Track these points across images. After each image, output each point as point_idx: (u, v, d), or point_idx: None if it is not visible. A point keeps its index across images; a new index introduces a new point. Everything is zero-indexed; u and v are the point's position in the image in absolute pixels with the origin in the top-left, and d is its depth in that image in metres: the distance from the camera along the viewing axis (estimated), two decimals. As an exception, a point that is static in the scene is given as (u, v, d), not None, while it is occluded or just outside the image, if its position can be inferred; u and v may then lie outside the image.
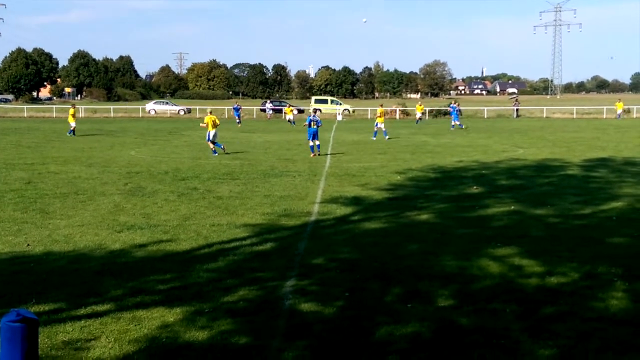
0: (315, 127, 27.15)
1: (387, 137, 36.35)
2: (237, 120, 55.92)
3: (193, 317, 7.39)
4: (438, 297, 8.11)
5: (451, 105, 53.18)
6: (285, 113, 49.53)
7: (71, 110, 40.04)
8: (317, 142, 27.32)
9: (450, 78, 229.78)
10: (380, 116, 38.37)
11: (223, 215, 13.51)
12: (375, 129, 37.59)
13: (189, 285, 8.65)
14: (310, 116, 28.13)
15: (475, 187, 17.57)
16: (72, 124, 39.49)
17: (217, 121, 28.21)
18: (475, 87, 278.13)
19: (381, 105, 44.02)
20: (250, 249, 10.65)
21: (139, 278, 8.94)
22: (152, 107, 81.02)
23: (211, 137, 27.69)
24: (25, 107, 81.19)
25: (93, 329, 7.02)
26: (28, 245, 10.88)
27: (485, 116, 72.30)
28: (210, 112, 29.75)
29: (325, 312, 7.58)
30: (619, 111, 64.83)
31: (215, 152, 27.27)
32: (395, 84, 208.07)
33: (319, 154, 26.59)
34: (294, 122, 53.94)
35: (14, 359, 2.46)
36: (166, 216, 13.41)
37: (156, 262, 9.84)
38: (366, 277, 9.04)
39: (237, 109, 57.97)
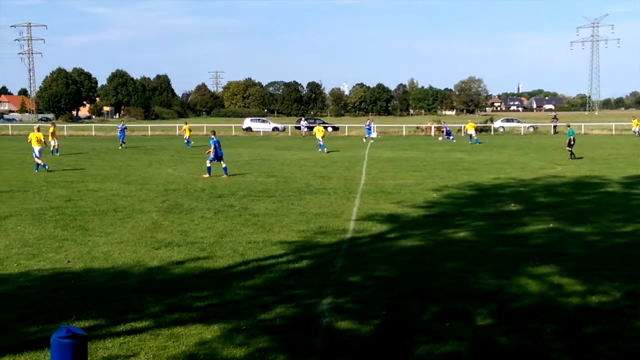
0: (217, 149, 25.94)
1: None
2: (121, 142, 48.20)
3: (230, 334, 7.42)
4: (477, 316, 8.02)
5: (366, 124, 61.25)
6: (315, 132, 43.79)
7: (50, 129, 40.70)
8: (224, 165, 26.07)
9: (485, 94, 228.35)
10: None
11: (259, 233, 13.56)
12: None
13: (226, 302, 8.68)
14: (212, 139, 26.41)
15: (513, 204, 17.37)
16: (53, 142, 40.02)
17: (42, 137, 29.93)
18: (512, 103, 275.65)
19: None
20: (286, 267, 10.67)
21: (176, 295, 9.01)
22: (249, 124, 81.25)
23: (37, 153, 28.90)
24: (65, 125, 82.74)
25: (132, 345, 7.08)
26: (68, 262, 11.05)
27: (522, 133, 71.57)
28: (38, 130, 31.08)
29: (362, 330, 7.55)
30: (635, 128, 63.55)
31: (40, 167, 28.03)
32: (430, 100, 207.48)
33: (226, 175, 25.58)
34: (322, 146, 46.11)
35: (64, 374, 2.51)
36: (203, 233, 13.51)
37: (193, 279, 9.91)
38: (403, 295, 8.98)
39: (122, 129, 49.70)
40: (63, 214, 16.08)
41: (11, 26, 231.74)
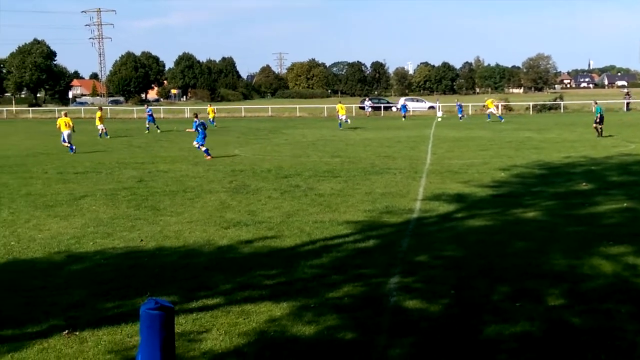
0: (203, 130, 26.23)
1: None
2: (156, 126, 47.43)
3: (299, 311, 7.52)
4: (548, 296, 7.89)
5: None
6: (337, 110, 44.20)
7: (98, 114, 41.52)
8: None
9: (554, 71, 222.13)
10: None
11: (325, 213, 13.64)
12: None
13: (294, 280, 8.79)
14: (196, 121, 26.64)
15: (584, 183, 16.93)
16: (100, 126, 40.71)
17: (70, 122, 30.58)
18: (582, 80, 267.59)
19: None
20: (353, 246, 10.71)
21: (246, 273, 9.17)
22: (404, 103, 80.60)
23: (65, 137, 29.74)
24: (134, 108, 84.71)
25: (204, 322, 7.26)
26: (141, 240, 11.38)
27: (593, 110, 69.39)
28: (66, 115, 31.86)
29: (431, 310, 7.53)
30: None
31: (72, 149, 29.20)
32: (497, 78, 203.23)
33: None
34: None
35: (153, 344, 2.61)
36: (270, 213, 13.67)
37: (262, 257, 10.06)
38: (472, 275, 8.91)
39: (150, 113, 49.85)
40: (135, 194, 16.53)
41: (82, 12, 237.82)
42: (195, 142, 26.49)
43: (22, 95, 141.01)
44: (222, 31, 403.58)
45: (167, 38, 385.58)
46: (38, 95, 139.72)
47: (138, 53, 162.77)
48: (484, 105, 60.46)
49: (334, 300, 7.92)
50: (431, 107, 75.69)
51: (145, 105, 54.25)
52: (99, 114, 41.68)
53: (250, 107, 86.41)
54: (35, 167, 23.62)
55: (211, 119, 52.30)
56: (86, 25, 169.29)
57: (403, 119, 60.11)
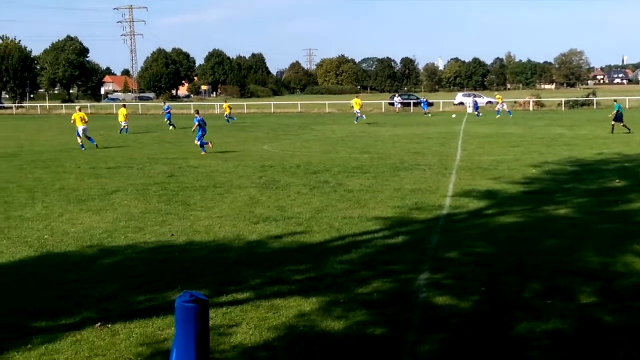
0: (203, 126, 26.78)
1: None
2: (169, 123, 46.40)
3: (328, 307, 7.53)
4: (579, 294, 7.80)
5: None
6: (353, 105, 50.32)
7: (123, 110, 41.64)
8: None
9: (587, 67, 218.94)
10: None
11: (354, 208, 13.63)
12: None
13: (323, 276, 8.81)
14: (197, 117, 27.22)
15: (617, 180, 16.70)
16: (123, 123, 40.83)
17: (85, 117, 30.91)
18: (615, 76, 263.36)
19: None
20: (382, 242, 10.69)
21: (275, 268, 9.21)
22: (461, 99, 79.80)
23: (80, 132, 29.88)
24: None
25: (234, 316, 7.31)
26: (172, 235, 11.48)
27: (627, 106, 68.34)
28: (80, 110, 32.24)
29: (461, 306, 7.49)
30: None
31: (90, 141, 29.83)
32: (528, 74, 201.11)
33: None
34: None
35: (188, 336, 2.65)
36: (299, 208, 13.71)
37: (291, 253, 10.09)
38: (502, 271, 8.84)
39: (167, 110, 48.36)
40: (166, 189, 16.68)
41: (114, 9, 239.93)
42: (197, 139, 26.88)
43: (56, 91, 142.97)
44: (252, 27, 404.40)
45: (198, 34, 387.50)
46: (71, 91, 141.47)
47: (169, 49, 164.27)
48: (496, 101, 60.36)
49: (363, 295, 7.92)
50: (489, 102, 75.35)
51: (164, 103, 54.42)
52: (124, 110, 42.00)
53: (280, 103, 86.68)
54: (68, 162, 23.96)
55: (227, 115, 52.86)
56: (118, 22, 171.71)
57: (428, 115, 60.62)
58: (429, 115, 60.73)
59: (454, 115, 58.26)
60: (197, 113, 28.15)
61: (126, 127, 40.67)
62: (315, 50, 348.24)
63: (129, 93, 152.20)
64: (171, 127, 45.12)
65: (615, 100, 36.18)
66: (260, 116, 67.05)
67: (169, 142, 32.94)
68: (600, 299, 7.63)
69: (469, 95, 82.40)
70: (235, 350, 6.41)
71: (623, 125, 32.90)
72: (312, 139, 33.93)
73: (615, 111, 33.62)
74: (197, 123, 26.94)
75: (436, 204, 14.01)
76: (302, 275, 8.86)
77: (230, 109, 54.71)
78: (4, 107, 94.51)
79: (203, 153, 25.71)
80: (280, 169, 20.53)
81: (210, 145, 26.55)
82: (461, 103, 75.55)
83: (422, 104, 66.71)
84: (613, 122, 33.32)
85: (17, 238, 11.41)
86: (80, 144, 29.43)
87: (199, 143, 26.44)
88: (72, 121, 31.19)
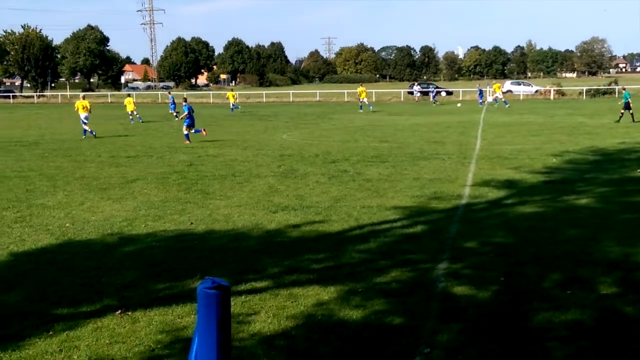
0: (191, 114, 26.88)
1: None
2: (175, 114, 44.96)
3: (347, 296, 7.54)
4: (600, 285, 7.74)
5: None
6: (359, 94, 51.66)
7: (130, 100, 42.11)
8: (193, 130, 26.78)
9: (609, 55, 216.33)
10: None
11: (373, 198, 13.61)
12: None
13: (342, 265, 8.82)
14: (186, 105, 27.30)
15: (639, 170, 16.52)
16: (134, 112, 41.35)
17: (88, 105, 30.67)
18: (638, 64, 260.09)
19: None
20: (400, 231, 10.68)
21: (294, 257, 9.24)
22: (510, 87, 78.90)
23: (84, 120, 29.83)
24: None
25: (253, 304, 7.35)
26: (191, 223, 11.55)
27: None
28: (84, 98, 32.23)
29: (480, 296, 7.47)
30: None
31: (91, 132, 29.53)
32: (550, 62, 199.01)
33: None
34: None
35: (210, 322, 2.66)
36: (318, 198, 13.72)
37: (310, 242, 10.11)
38: (522, 261, 8.80)
39: (172, 100, 48.54)
40: (185, 177, 16.76)
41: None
42: (188, 128, 26.91)
43: (76, 80, 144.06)
44: (272, 16, 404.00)
45: (217, 23, 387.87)
46: (91, 80, 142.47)
47: (188, 38, 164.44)
48: (493, 90, 59.64)
49: (382, 285, 7.92)
50: (537, 91, 75.09)
51: (168, 92, 55.02)
52: (131, 100, 42.29)
53: (299, 92, 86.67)
54: (88, 150, 24.15)
55: (232, 104, 53.39)
56: (138, 10, 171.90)
57: (435, 103, 61.30)
58: (437, 103, 61.11)
59: (459, 105, 57.84)
60: (185, 101, 28.38)
61: (136, 115, 41.13)
62: (334, 38, 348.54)
63: (148, 82, 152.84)
64: (177, 118, 45.31)
65: (624, 89, 35.94)
66: (279, 105, 67.11)
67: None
68: (621, 289, 7.56)
69: (519, 84, 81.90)
70: (254, 338, 6.44)
71: (622, 113, 33.10)
72: (331, 128, 33.90)
73: (628, 99, 33.59)
74: (186, 112, 27.00)
75: (455, 193, 13.95)
76: (321, 265, 8.87)
77: (235, 98, 54.90)
78: (24, 96, 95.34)
79: (187, 142, 25.85)
80: (299, 158, 20.54)
81: (204, 133, 26.65)
82: (509, 91, 74.88)
83: (431, 94, 66.24)
84: (625, 111, 33.08)
85: (39, 226, 11.53)
86: (90, 130, 29.63)
87: (185, 133, 26.45)
88: (75, 109, 31.49)
